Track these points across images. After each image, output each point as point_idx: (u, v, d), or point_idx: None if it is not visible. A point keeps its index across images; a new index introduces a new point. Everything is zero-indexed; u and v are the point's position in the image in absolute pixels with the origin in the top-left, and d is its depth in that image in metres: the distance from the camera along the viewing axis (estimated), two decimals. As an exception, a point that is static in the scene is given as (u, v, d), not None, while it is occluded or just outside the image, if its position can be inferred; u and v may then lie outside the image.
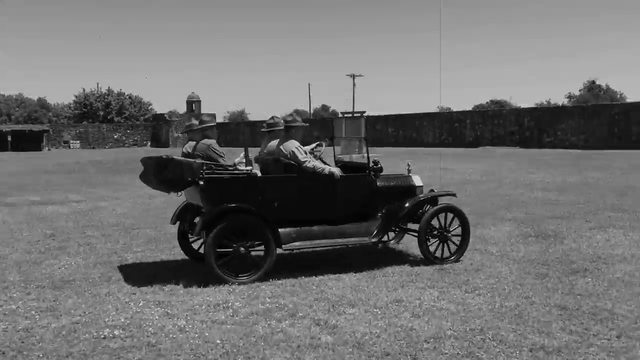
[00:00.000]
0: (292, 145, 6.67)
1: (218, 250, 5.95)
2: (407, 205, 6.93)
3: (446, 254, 6.91)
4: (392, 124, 45.40)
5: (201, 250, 6.73)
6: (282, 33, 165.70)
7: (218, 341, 4.36)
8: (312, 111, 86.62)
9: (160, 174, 6.12)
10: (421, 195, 7.22)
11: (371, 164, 6.97)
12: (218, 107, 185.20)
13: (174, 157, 6.16)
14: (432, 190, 7.54)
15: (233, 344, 4.31)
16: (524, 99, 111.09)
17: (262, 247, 6.16)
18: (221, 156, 6.49)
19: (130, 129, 62.10)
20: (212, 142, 6.66)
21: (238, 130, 57.25)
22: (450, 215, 7.01)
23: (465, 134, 40.08)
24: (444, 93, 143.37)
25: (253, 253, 6.15)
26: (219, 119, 67.87)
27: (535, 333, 4.46)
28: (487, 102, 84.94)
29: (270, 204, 6.29)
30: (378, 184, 7.01)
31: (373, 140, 45.35)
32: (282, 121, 7.12)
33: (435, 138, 42.12)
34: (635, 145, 30.71)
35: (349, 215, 6.75)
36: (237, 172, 6.26)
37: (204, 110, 56.55)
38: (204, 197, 6.15)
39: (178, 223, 7.17)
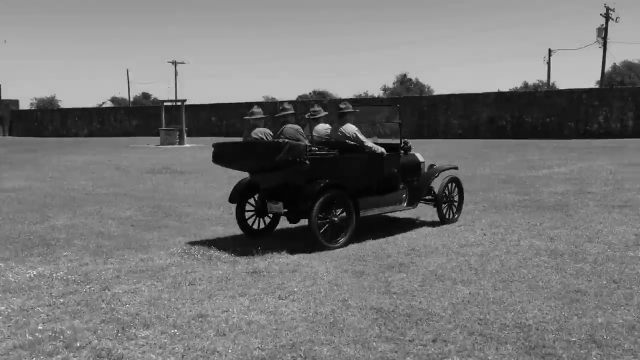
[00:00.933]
0: (353, 128, 7.88)
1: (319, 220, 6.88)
2: (430, 179, 8.58)
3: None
4: (216, 112, 44.34)
5: (254, 227, 7.91)
6: (99, 19, 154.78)
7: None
8: (131, 99, 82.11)
9: (273, 157, 6.78)
10: (437, 170, 8.84)
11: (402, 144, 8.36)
12: (24, 93, 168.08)
13: (289, 141, 6.96)
14: (432, 165, 9.05)
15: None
16: (344, 91, 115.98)
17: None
18: (306, 139, 7.58)
19: None
20: (298, 126, 7.69)
21: (44, 117, 52.09)
22: (452, 185, 8.75)
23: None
24: (268, 84, 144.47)
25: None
26: (25, 106, 61.39)
27: (351, 344, 4.05)
28: (310, 93, 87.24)
29: (347, 179, 7.32)
30: (401, 160, 8.27)
31: (197, 130, 43.93)
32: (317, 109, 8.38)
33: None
34: (442, 135, 33.15)
35: (388, 187, 8.02)
36: (324, 152, 7.39)
37: (4, 95, 50.60)
38: (303, 175, 6.98)
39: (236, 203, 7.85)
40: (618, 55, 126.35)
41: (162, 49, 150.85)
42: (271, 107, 41.79)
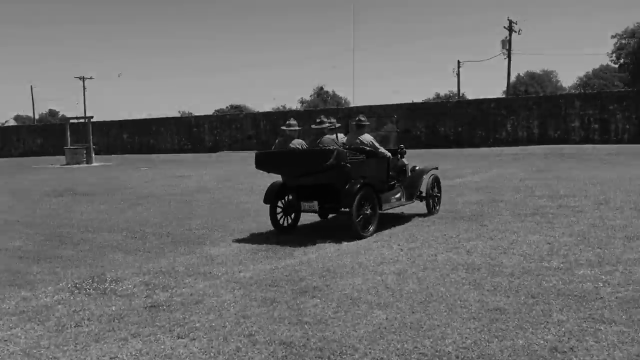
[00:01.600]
0: (370, 137, 9.30)
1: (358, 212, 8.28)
2: (421, 177, 10.19)
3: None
4: (128, 129, 42.66)
5: (284, 224, 9.20)
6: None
7: None
8: (37, 116, 77.93)
9: (322, 162, 8.13)
10: (424, 171, 10.37)
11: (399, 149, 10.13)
12: None
13: (337, 148, 8.37)
14: (415, 167, 10.41)
15: None
16: (263, 105, 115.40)
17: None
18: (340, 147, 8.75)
19: None
20: (333, 136, 9.03)
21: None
22: (435, 182, 10.35)
23: (204, 139, 39.39)
24: (185, 98, 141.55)
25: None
26: None
27: (255, 390, 3.59)
28: (227, 107, 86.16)
29: (370, 179, 8.67)
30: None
31: (108, 148, 42.03)
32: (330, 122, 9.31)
33: (174, 144, 40.66)
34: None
35: (390, 185, 9.52)
36: (357, 157, 8.69)
37: None
38: (344, 177, 8.35)
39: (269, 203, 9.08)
40: (522, 65, 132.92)
41: (71, 64, 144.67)
42: (185, 122, 40.78)
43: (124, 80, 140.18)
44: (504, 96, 40.85)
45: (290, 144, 9.13)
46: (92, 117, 30.57)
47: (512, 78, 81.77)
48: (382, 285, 5.76)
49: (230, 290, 5.84)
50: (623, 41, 45.01)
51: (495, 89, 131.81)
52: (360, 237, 8.18)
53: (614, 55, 45.69)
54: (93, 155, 30.25)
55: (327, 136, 9.07)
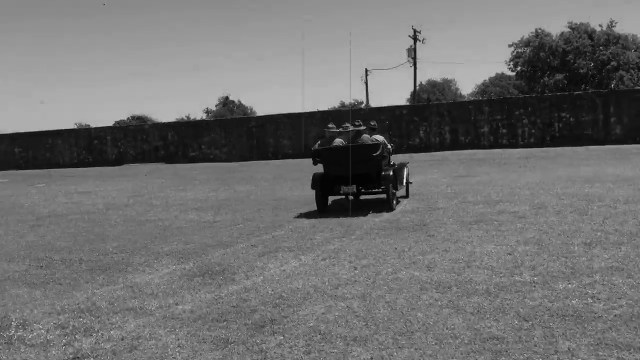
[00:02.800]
0: (381, 137, 11.88)
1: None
2: (403, 169, 12.50)
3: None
4: (20, 143, 39.42)
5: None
6: None
7: None
8: None
9: (372, 153, 10.96)
10: (403, 164, 12.75)
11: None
12: None
13: (381, 142, 11.41)
14: (390, 162, 12.46)
15: None
16: (165, 115, 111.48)
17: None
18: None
19: None
20: (368, 135, 11.69)
21: None
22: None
23: (107, 152, 37.08)
24: (83, 109, 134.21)
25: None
26: None
27: None
28: (128, 118, 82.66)
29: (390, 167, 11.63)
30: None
31: (-4, 163, 38.71)
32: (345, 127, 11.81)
33: (73, 157, 37.99)
34: (271, 157, 32.56)
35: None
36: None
37: None
38: (376, 166, 11.15)
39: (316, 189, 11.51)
40: (428, 73, 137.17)
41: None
42: (85, 134, 38.24)
43: (7, 93, 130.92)
44: (411, 103, 41.56)
45: (334, 143, 11.60)
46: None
47: (408, 87, 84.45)
48: (350, 313, 5.02)
49: (171, 330, 4.88)
50: (519, 50, 47.25)
51: (399, 97, 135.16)
52: (392, 210, 10.84)
53: (511, 63, 47.88)
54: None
55: (365, 135, 11.65)
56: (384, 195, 11.58)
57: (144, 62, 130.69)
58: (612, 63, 41.51)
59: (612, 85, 41.39)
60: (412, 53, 47.08)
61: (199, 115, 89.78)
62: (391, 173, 10.97)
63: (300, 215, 11.07)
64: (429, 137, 29.61)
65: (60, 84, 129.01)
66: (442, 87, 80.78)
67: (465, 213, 10.07)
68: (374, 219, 10.06)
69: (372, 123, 12.66)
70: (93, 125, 54.13)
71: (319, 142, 12.08)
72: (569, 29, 45.62)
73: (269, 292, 5.89)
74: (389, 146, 12.17)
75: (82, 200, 16.55)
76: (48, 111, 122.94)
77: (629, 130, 26.21)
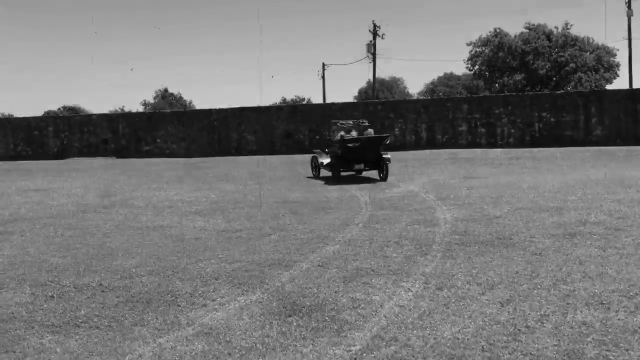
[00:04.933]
0: (372, 131, 16.70)
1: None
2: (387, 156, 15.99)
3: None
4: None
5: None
6: None
7: None
8: None
9: (382, 142, 15.68)
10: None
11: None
12: None
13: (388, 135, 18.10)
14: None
15: None
16: (98, 107, 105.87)
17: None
18: None
19: None
20: (372, 129, 16.88)
21: None
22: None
23: (48, 144, 33.86)
24: (4, 98, 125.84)
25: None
26: None
27: None
28: (59, 109, 78.02)
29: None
30: None
31: None
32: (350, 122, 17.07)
33: (9, 149, 34.52)
34: (234, 153, 30.52)
35: None
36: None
37: None
38: (378, 151, 15.57)
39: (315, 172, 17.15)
40: (384, 70, 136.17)
41: None
42: (23, 124, 34.87)
43: None
44: (374, 100, 40.38)
45: (350, 134, 16.17)
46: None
47: (363, 84, 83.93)
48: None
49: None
50: (477, 49, 47.02)
51: (349, 93, 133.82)
52: (385, 180, 15.38)
53: (470, 62, 47.60)
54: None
55: (370, 129, 16.69)
56: (374, 171, 16.12)
57: (74, 53, 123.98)
58: (571, 65, 41.83)
59: (570, 88, 41.76)
60: (372, 48, 45.97)
61: (134, 108, 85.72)
62: (386, 156, 15.68)
63: (338, 224, 9.40)
64: (405, 135, 28.41)
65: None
66: (389, 85, 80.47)
67: (539, 223, 8.70)
68: (426, 229, 8.52)
69: (364, 121, 17.53)
70: (16, 115, 49.96)
71: (341, 133, 16.28)
72: (526, 30, 45.76)
73: (421, 345, 4.24)
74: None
75: (43, 200, 14.18)
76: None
77: (610, 132, 25.92)
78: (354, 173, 16.43)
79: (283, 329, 4.66)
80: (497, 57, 44.95)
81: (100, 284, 6.21)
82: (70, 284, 6.28)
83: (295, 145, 29.67)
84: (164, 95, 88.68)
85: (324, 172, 16.94)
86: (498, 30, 45.93)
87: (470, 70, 49.05)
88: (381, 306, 5.13)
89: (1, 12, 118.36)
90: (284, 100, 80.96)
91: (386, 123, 28.54)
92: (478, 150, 25.70)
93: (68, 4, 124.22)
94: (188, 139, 31.70)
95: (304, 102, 66.04)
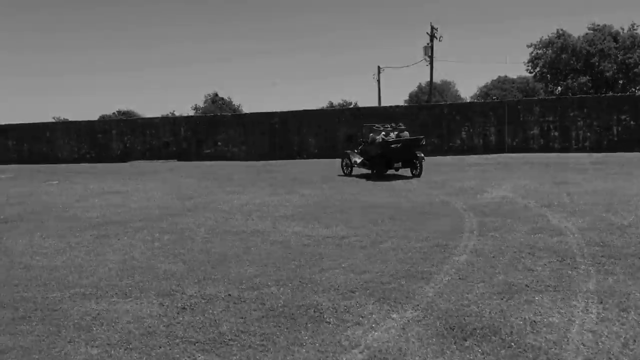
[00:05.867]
0: (407, 134, 18.17)
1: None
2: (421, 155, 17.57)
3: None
4: (13, 135, 36.31)
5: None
6: None
7: None
8: None
9: (419, 143, 17.35)
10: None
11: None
12: None
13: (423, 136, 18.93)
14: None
15: None
16: (148, 111, 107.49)
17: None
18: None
19: None
20: (407, 132, 18.32)
21: None
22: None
23: (112, 147, 34.22)
24: (64, 101, 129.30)
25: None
26: None
27: None
28: (114, 113, 79.55)
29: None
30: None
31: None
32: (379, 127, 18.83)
33: (73, 152, 35.04)
34: (297, 156, 30.15)
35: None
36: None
37: None
38: (413, 151, 17.17)
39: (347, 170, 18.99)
40: (440, 73, 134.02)
41: None
42: (88, 127, 35.37)
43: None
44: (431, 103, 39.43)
45: (390, 136, 17.75)
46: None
47: (414, 88, 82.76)
48: None
49: None
50: (539, 51, 45.48)
51: (398, 96, 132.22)
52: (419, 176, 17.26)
53: (530, 64, 46.07)
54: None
55: (406, 132, 18.24)
56: (406, 169, 17.84)
57: (121, 57, 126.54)
58: (640, 67, 39.99)
59: (637, 90, 39.87)
60: (429, 51, 45.00)
61: (184, 111, 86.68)
62: (422, 155, 17.32)
63: (447, 230, 8.75)
64: (472, 138, 27.44)
65: (34, 75, 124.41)
66: (441, 89, 79.10)
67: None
68: (553, 239, 7.78)
69: (401, 125, 19.24)
70: (71, 119, 50.85)
71: (381, 135, 17.95)
72: (591, 31, 44.00)
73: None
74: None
75: (124, 203, 13.99)
76: (22, 105, 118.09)
77: (695, 136, 24.39)
78: (394, 170, 18.12)
79: (468, 356, 4.07)
80: (559, 59, 43.33)
81: (229, 295, 5.75)
82: (196, 293, 5.84)
83: (358, 148, 29.05)
84: (214, 100, 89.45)
85: (356, 171, 19.12)
86: (561, 32, 44.32)
87: (530, 72, 47.47)
88: (567, 330, 4.48)
89: (55, 20, 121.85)
90: (331, 104, 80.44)
91: (452, 126, 27.66)
92: (552, 155, 24.54)
93: (121, 13, 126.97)
94: (248, 142, 31.47)
95: (361, 106, 65.25)
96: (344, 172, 19.16)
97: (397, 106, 29.12)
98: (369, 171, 18.08)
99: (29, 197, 15.93)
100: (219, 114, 35.76)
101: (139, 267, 7.10)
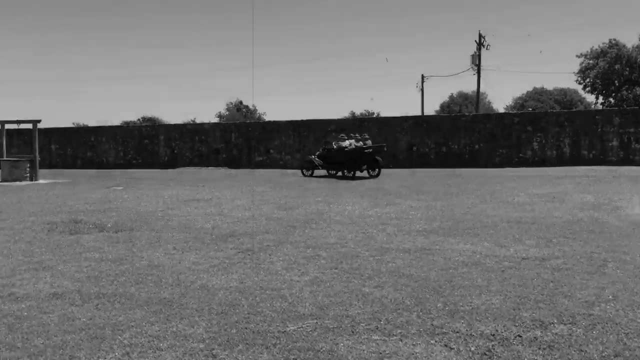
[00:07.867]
0: (370, 142, 23.11)
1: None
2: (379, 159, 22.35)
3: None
4: (56, 139, 35.58)
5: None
6: None
7: None
8: None
9: (382, 150, 22.32)
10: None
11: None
12: None
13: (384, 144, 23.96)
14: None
15: None
16: (175, 117, 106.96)
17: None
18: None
19: None
20: (371, 141, 23.59)
21: None
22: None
23: (159, 153, 33.35)
24: (96, 106, 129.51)
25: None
26: None
27: None
28: (138, 120, 79.10)
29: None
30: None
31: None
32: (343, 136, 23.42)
33: (118, 157, 34.23)
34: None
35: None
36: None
37: None
38: (374, 158, 21.81)
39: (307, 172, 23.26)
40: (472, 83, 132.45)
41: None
42: (134, 132, 34.55)
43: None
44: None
45: (354, 145, 22.08)
46: (39, 120, 23.73)
47: (446, 98, 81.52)
48: None
49: None
50: (590, 61, 44.25)
51: (430, 105, 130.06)
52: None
53: (581, 75, 44.82)
54: (38, 169, 23.62)
55: (369, 141, 22.92)
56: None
57: (143, 64, 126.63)
58: (700, 78, 38.67)
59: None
60: (477, 59, 43.93)
61: (205, 119, 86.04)
62: (381, 160, 21.95)
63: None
64: (544, 149, 26.22)
65: (56, 80, 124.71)
66: (473, 100, 77.84)
67: None
68: None
69: (367, 135, 23.97)
70: (97, 124, 50.06)
71: (352, 142, 22.38)
72: (645, 41, 42.77)
73: None
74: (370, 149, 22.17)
75: (222, 211, 12.92)
76: (43, 110, 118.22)
77: None
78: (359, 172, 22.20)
79: None
80: (613, 69, 42.07)
81: (518, 335, 4.62)
82: (464, 333, 4.70)
83: (420, 158, 27.96)
84: (239, 108, 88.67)
85: (316, 172, 23.13)
86: (614, 41, 43.10)
87: (580, 83, 46.24)
88: None
89: (81, 24, 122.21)
90: (353, 114, 79.40)
91: (523, 136, 26.45)
92: (636, 168, 23.29)
93: (148, 18, 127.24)
94: (304, 150, 30.44)
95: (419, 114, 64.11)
96: (303, 174, 23.01)
97: (464, 115, 28.16)
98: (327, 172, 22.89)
99: (108, 204, 14.92)
100: (272, 120, 34.84)
101: (344, 292, 6.00)
